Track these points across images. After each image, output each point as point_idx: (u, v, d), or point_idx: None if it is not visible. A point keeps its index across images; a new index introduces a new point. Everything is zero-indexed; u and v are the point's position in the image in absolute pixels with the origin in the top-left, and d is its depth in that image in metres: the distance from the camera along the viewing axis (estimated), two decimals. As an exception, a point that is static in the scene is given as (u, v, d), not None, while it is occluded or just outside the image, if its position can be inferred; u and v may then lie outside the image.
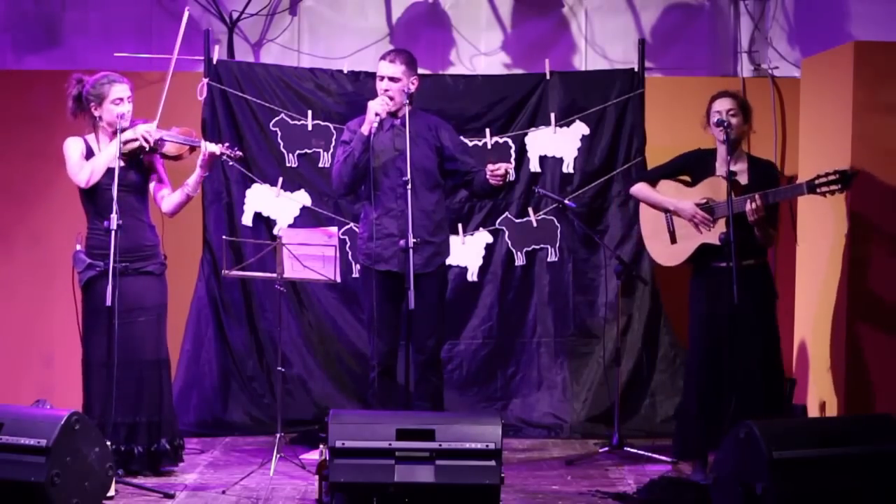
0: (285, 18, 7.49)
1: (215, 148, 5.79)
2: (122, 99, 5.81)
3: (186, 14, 6.27)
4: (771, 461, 4.72)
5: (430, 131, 6.15)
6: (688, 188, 6.00)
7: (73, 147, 5.84)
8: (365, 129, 5.95)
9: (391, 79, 6.00)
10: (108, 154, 5.73)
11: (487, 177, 5.99)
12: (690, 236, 5.95)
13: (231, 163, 5.82)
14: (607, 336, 7.04)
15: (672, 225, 6.02)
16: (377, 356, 6.16)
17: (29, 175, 7.28)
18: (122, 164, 5.72)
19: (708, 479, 5.75)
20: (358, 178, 6.04)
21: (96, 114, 5.82)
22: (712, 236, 5.85)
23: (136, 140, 5.76)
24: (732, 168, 5.79)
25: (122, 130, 5.69)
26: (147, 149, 5.79)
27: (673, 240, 6.04)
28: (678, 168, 6.12)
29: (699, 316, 5.98)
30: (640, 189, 6.14)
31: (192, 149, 5.85)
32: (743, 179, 5.90)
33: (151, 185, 5.92)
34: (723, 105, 5.89)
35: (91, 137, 5.86)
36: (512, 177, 5.94)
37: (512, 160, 7.14)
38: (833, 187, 5.66)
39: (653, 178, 6.16)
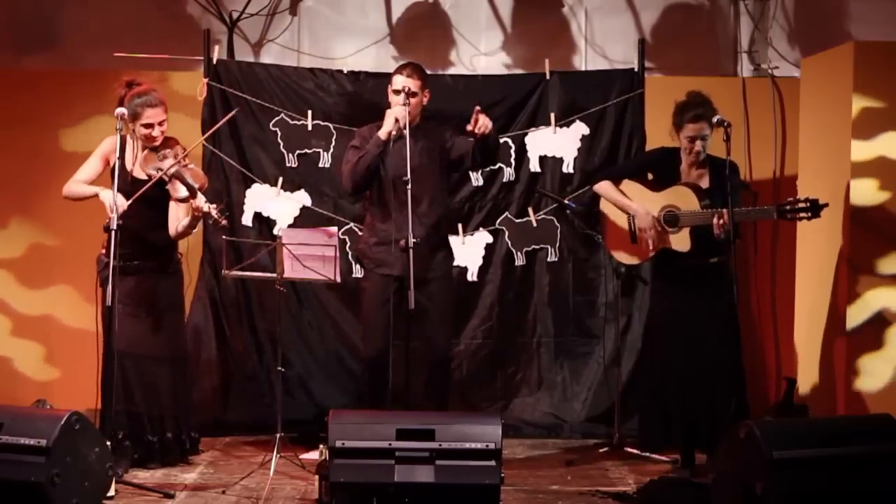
0: (285, 18, 7.48)
1: (203, 205, 5.78)
2: (152, 125, 5.91)
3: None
4: (771, 461, 4.72)
5: (434, 139, 6.24)
6: (652, 192, 6.06)
7: (93, 155, 6.03)
8: (383, 134, 6.07)
9: (410, 93, 6.07)
10: (89, 193, 5.91)
11: (475, 132, 6.00)
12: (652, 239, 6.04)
13: (213, 222, 5.85)
14: (607, 336, 7.04)
15: (634, 226, 6.10)
16: (370, 357, 6.27)
17: (29, 175, 7.27)
18: (146, 176, 5.89)
19: (695, 474, 5.91)
20: (369, 180, 6.17)
21: (130, 126, 5.93)
22: (675, 242, 5.94)
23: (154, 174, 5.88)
24: (695, 172, 5.98)
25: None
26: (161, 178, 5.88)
27: (633, 240, 6.13)
28: (643, 166, 6.24)
29: (663, 312, 6.12)
30: (603, 187, 6.22)
31: (194, 194, 5.87)
32: (704, 183, 6.01)
33: (171, 204, 5.99)
34: (696, 130, 5.91)
35: (129, 137, 5.99)
36: (489, 127, 6.02)
37: (512, 160, 7.16)
38: (802, 215, 5.74)
39: (618, 176, 6.25)
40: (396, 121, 6.02)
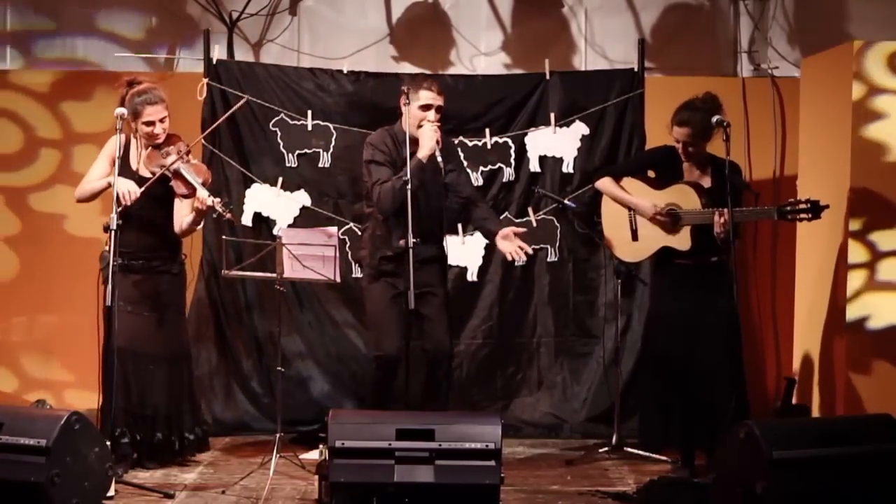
0: (285, 18, 7.48)
1: (207, 199, 5.75)
2: (153, 122, 5.90)
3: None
4: (771, 461, 4.72)
5: (441, 165, 6.15)
6: (654, 190, 6.06)
7: (99, 158, 6.00)
8: (424, 157, 5.92)
9: (438, 108, 6.06)
10: (102, 185, 5.90)
11: (500, 242, 6.07)
12: (653, 237, 6.06)
13: (218, 216, 5.82)
14: (607, 336, 7.04)
15: (635, 223, 6.12)
16: (385, 357, 6.14)
17: (29, 175, 7.27)
18: (150, 174, 5.89)
19: (695, 474, 5.90)
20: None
21: (133, 125, 5.94)
22: (676, 241, 5.94)
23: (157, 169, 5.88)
24: (696, 171, 5.99)
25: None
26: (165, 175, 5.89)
27: (634, 237, 6.13)
28: (645, 164, 6.25)
29: (663, 312, 6.11)
30: (605, 184, 6.23)
31: (196, 190, 5.86)
32: (706, 182, 6.02)
33: (176, 201, 5.99)
34: (679, 135, 5.95)
35: (132, 137, 6.01)
36: (523, 260, 6.28)
37: (512, 160, 7.16)
38: (803, 216, 5.74)
39: (620, 173, 6.25)
40: (438, 142, 5.96)
